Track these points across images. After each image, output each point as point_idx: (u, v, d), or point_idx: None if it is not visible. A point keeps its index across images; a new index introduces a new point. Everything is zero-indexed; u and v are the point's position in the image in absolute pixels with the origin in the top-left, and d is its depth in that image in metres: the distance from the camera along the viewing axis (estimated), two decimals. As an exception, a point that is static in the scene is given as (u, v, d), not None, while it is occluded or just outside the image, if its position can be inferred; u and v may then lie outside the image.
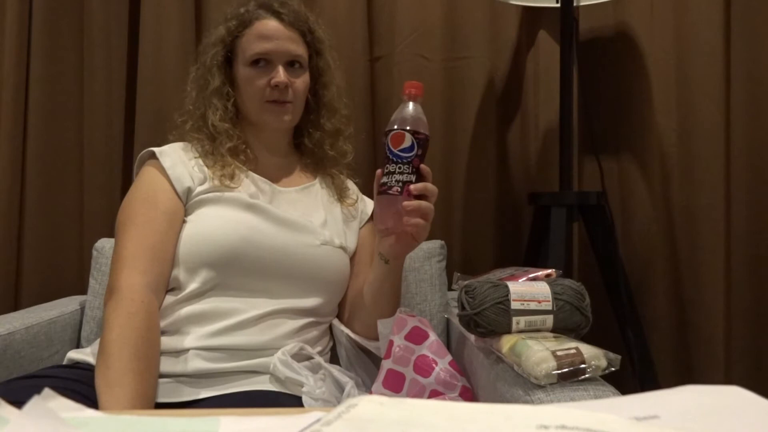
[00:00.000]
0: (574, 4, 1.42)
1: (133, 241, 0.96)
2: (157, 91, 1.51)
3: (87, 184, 1.54)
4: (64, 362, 1.03)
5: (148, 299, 0.92)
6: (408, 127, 0.93)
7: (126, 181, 1.55)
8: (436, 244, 1.37)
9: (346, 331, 1.10)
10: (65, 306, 1.31)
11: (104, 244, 1.35)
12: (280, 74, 1.07)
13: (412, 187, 0.92)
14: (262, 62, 1.08)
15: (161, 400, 0.89)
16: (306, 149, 1.19)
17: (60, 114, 1.55)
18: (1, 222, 1.49)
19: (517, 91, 1.62)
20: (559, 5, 1.43)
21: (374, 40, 1.58)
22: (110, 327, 0.87)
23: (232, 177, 1.05)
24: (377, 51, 1.58)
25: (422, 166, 0.94)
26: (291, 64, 1.09)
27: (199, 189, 1.03)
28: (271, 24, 1.09)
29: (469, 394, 0.98)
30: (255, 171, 1.11)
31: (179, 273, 0.99)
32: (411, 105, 0.94)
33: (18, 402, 0.36)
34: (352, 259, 1.15)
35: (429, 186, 0.94)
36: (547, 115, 1.59)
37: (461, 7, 1.57)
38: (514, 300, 0.83)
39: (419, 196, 0.93)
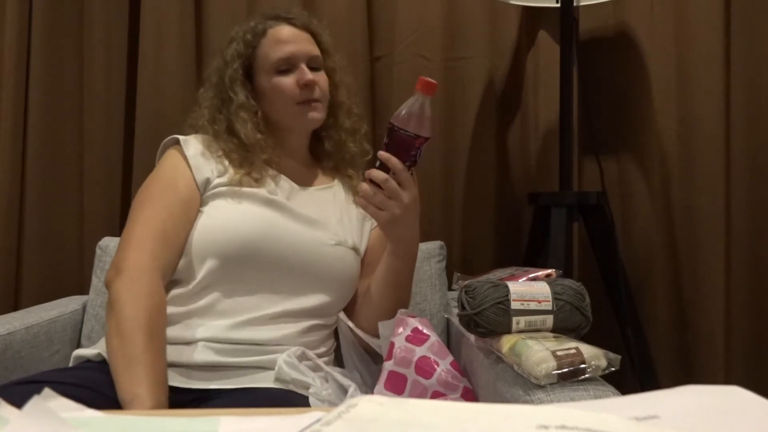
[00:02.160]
0: (574, 4, 1.41)
1: (147, 222, 0.97)
2: (157, 91, 1.51)
3: (87, 184, 1.53)
4: (71, 361, 1.03)
5: (156, 281, 0.93)
6: (392, 118, 0.94)
7: (126, 181, 1.55)
8: (435, 244, 1.37)
9: (351, 324, 1.10)
10: (65, 306, 1.31)
11: (108, 243, 1.35)
12: (307, 73, 1.08)
13: (367, 172, 0.96)
14: (285, 67, 1.09)
15: (172, 383, 0.89)
16: (326, 152, 1.20)
17: (60, 114, 1.54)
18: (1, 222, 1.49)
19: (517, 91, 1.62)
20: (559, 5, 1.43)
21: (374, 40, 1.58)
22: (122, 306, 0.88)
23: (258, 180, 1.06)
24: (377, 51, 1.58)
25: (380, 153, 0.95)
26: (310, 65, 1.10)
27: (217, 181, 1.04)
28: (285, 29, 1.11)
29: (471, 395, 0.98)
30: (277, 171, 1.12)
31: (191, 264, 0.99)
32: (411, 98, 0.95)
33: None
34: (362, 260, 1.15)
35: (373, 172, 0.94)
36: (547, 115, 1.58)
37: (461, 7, 1.56)
38: (514, 300, 0.83)
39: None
